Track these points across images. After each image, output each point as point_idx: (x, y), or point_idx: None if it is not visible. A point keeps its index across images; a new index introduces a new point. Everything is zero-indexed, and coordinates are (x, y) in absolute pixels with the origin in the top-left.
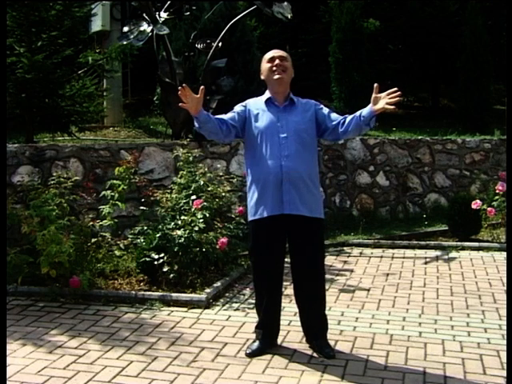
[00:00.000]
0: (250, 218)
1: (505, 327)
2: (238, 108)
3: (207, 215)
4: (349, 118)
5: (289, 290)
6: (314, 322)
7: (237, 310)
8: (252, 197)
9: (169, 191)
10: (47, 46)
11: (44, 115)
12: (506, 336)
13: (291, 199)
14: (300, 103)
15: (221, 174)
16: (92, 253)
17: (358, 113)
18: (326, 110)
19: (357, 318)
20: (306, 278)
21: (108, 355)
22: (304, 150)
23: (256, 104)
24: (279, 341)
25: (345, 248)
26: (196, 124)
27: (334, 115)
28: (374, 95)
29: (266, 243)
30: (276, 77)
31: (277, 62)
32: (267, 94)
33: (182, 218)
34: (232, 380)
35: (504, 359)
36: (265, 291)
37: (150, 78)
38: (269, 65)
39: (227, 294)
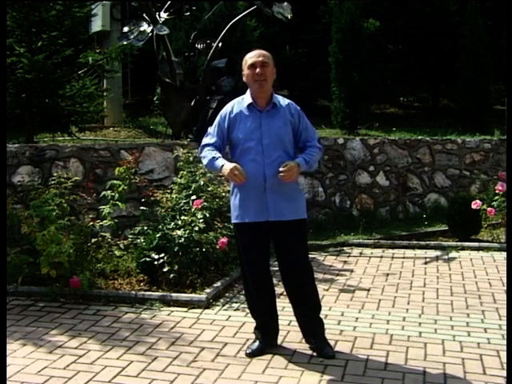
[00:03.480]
0: (233, 220)
1: (505, 327)
2: (219, 122)
3: (207, 215)
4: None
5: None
6: (310, 321)
7: (237, 310)
8: (235, 200)
9: (169, 191)
10: (47, 46)
11: (44, 115)
12: (506, 336)
13: (276, 207)
14: (282, 106)
15: (221, 174)
16: (92, 253)
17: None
18: (302, 127)
19: (357, 318)
20: (295, 280)
21: (108, 355)
22: (286, 154)
23: (239, 108)
24: (279, 341)
25: (345, 248)
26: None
27: (304, 137)
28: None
29: (251, 246)
30: (257, 85)
31: (257, 70)
32: (249, 98)
33: (182, 218)
34: (232, 380)
35: (504, 359)
36: (253, 293)
37: (150, 77)
38: (249, 72)
39: (227, 294)
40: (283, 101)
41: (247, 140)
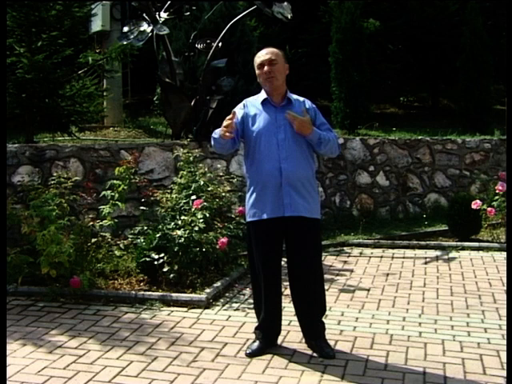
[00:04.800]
0: (248, 219)
1: (505, 327)
2: (238, 111)
3: (207, 215)
4: None
5: (289, 290)
6: (312, 323)
7: (237, 309)
8: (251, 198)
9: (169, 191)
10: (47, 46)
11: (44, 115)
12: (506, 336)
13: (292, 202)
14: (297, 102)
15: (221, 174)
16: (92, 253)
17: None
18: (319, 122)
19: (357, 318)
20: (303, 279)
21: (108, 355)
22: (301, 150)
23: (253, 104)
24: (279, 341)
25: (345, 248)
26: (218, 144)
27: (323, 130)
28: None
29: (264, 244)
30: (268, 83)
31: (266, 68)
32: (263, 94)
33: (182, 218)
34: (232, 380)
35: (504, 359)
36: (263, 292)
37: (150, 78)
38: (259, 71)
39: (227, 294)
40: (298, 97)
41: (262, 134)
